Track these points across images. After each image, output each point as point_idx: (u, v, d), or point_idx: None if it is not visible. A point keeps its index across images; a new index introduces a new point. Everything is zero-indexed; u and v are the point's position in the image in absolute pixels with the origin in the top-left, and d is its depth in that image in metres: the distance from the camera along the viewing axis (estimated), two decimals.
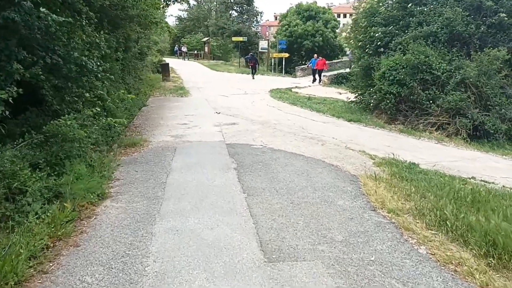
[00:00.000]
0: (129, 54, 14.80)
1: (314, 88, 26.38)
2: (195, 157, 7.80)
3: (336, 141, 9.78)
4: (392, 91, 12.93)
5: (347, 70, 31.74)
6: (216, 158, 7.80)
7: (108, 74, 9.05)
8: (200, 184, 6.27)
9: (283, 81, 28.45)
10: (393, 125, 13.03)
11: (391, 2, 14.29)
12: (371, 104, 14.08)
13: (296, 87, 25.33)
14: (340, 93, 24.01)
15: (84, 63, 6.77)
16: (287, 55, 33.49)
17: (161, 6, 12.10)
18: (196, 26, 61.80)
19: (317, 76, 27.96)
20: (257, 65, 30.56)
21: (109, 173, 6.54)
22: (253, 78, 29.46)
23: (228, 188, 6.09)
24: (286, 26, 36.66)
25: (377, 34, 13.94)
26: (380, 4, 14.48)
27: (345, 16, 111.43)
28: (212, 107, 14.76)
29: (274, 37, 40.80)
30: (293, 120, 12.64)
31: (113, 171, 6.74)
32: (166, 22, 17.02)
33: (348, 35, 18.22)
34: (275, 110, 14.86)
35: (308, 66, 27.99)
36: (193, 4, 66.66)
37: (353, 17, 18.06)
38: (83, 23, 7.34)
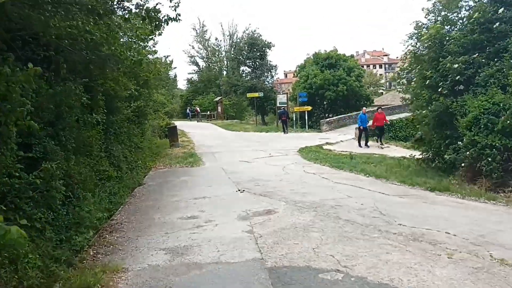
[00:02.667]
0: (117, 116, 11.08)
1: (348, 144, 22.37)
2: None
3: (460, 241, 5.43)
4: (495, 144, 8.75)
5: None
6: None
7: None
8: None
9: (310, 138, 24.57)
10: (503, 193, 8.69)
11: (466, 23, 10.46)
12: (457, 164, 9.82)
13: (326, 143, 21.38)
14: (382, 147, 20.15)
15: None
16: (309, 108, 29.85)
17: (148, 32, 8.43)
18: (207, 87, 59.70)
19: (364, 136, 20.14)
20: (288, 120, 28.28)
21: None
22: (286, 133, 27.08)
23: None
24: (305, 77, 33.41)
25: (455, 66, 9.99)
26: (451, 29, 10.65)
27: (374, 67, 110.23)
28: (232, 181, 10.67)
29: (293, 89, 37.60)
30: (355, 196, 8.42)
31: None
32: (156, 58, 13.23)
33: (399, 75, 14.30)
34: (319, 179, 10.69)
35: (359, 127, 19.78)
36: (203, 66, 65.30)
37: (400, 60, 14.40)
38: None
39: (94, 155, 8.99)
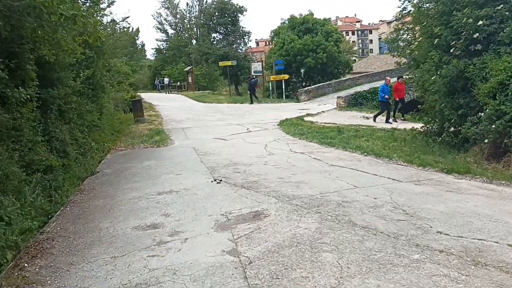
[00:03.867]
0: (60, 90, 8.84)
1: (330, 114, 20.73)
2: None
3: None
4: None
5: (365, 87, 26.19)
6: None
7: None
8: None
9: (288, 109, 22.80)
10: None
11: None
12: (477, 139, 8.20)
13: (307, 114, 19.67)
14: (367, 118, 18.58)
15: None
16: (286, 76, 27.86)
17: None
18: (176, 56, 56.54)
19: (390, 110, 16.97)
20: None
21: None
22: (252, 103, 25.79)
23: None
24: (281, 44, 31.15)
25: (470, 20, 8.20)
26: None
27: (347, 34, 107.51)
28: (206, 166, 8.74)
29: (267, 57, 35.34)
30: (361, 185, 6.68)
31: None
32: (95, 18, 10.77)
33: (394, 34, 12.46)
34: (311, 161, 8.91)
35: (386, 97, 16.58)
36: (172, 33, 61.79)
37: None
38: None
39: (26, 140, 6.91)
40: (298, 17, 32.36)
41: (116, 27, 17.37)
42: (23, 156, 6.71)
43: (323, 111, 21.48)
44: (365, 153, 9.60)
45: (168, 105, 27.85)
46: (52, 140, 8.14)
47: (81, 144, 10.00)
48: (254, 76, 28.17)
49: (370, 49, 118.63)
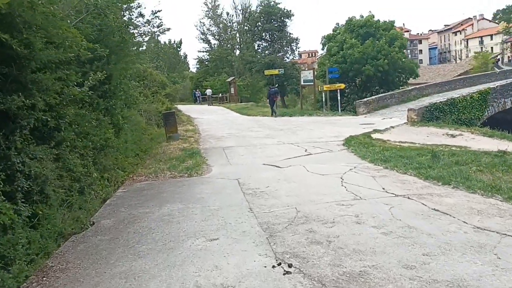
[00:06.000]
0: (36, 98, 5.75)
1: (402, 131, 16.91)
2: None
3: None
4: None
5: (440, 98, 21.97)
6: None
7: None
8: None
9: (347, 123, 19.19)
10: None
11: None
12: None
13: (374, 130, 15.93)
14: (453, 135, 14.73)
15: None
16: (342, 86, 24.15)
17: None
18: (219, 67, 54.16)
19: None
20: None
21: None
22: (275, 116, 23.57)
23: None
24: (336, 48, 27.47)
25: None
26: None
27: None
28: (258, 221, 5.33)
29: (319, 65, 31.74)
30: None
31: None
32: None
33: None
34: (437, 218, 5.23)
35: None
36: (215, 43, 59.69)
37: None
38: None
39: None
40: (359, 19, 28.47)
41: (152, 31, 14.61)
42: None
43: (392, 127, 17.63)
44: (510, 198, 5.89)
45: (208, 118, 24.91)
46: (14, 177, 5.06)
47: (78, 176, 6.89)
48: (276, 86, 25.34)
49: (420, 60, 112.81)
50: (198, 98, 44.18)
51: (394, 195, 6.43)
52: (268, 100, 25.01)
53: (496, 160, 9.77)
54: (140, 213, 6.23)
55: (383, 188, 6.88)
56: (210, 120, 23.61)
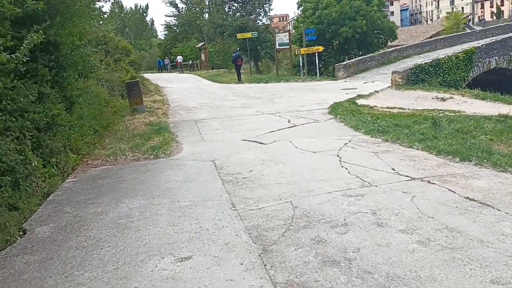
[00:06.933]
0: None
1: (389, 94, 15.80)
2: None
3: None
4: None
5: (425, 59, 20.74)
6: None
7: None
8: None
9: (328, 89, 17.93)
10: None
11: None
12: None
13: (358, 96, 14.69)
14: (443, 99, 13.69)
15: None
16: (321, 48, 22.63)
17: None
18: (188, 32, 51.41)
19: None
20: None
21: None
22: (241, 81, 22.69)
23: None
24: (311, 10, 25.79)
25: None
26: None
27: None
28: (245, 226, 3.98)
29: (295, 27, 29.97)
30: None
31: None
32: None
33: None
34: (481, 213, 4.06)
35: None
36: (183, 8, 56.57)
37: None
38: None
39: None
40: None
41: None
42: None
43: (376, 91, 16.39)
44: None
45: (177, 87, 23.10)
46: None
47: (11, 166, 5.33)
48: (237, 49, 23.81)
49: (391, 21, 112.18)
50: (166, 66, 41.81)
51: (409, 178, 5.18)
52: (234, 65, 23.57)
53: (500, 126, 8.82)
54: (89, 215, 4.77)
55: (393, 169, 5.62)
56: (180, 89, 21.84)
